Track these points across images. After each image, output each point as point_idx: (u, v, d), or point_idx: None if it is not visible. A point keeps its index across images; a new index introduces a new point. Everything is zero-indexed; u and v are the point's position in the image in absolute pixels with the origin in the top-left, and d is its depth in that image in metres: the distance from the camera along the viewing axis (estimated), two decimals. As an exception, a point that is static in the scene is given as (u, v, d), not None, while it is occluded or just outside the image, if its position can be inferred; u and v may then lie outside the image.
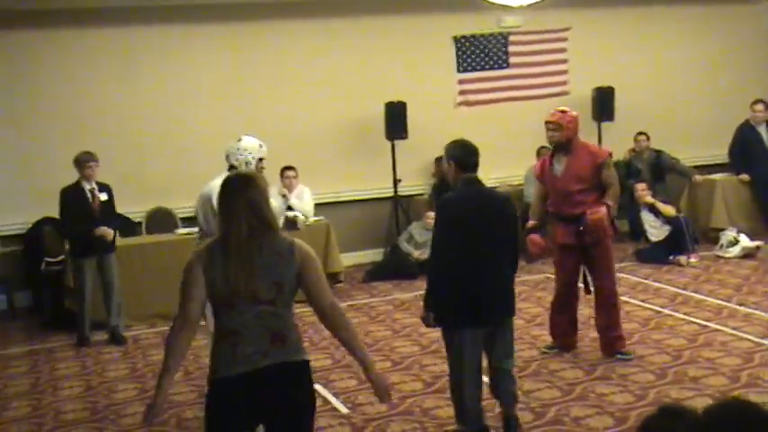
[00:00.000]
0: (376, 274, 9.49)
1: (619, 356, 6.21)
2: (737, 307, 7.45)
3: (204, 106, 9.66)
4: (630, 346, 6.40)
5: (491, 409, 5.28)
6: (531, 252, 6.24)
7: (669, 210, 9.51)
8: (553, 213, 6.32)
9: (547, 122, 6.20)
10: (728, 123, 10.48)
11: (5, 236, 9.05)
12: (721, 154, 10.69)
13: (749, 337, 6.58)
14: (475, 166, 4.75)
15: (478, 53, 10.58)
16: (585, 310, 6.74)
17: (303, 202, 8.97)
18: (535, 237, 6.20)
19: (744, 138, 10.32)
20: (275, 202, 5.48)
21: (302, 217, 5.84)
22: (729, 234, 9.55)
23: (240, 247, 3.31)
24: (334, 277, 8.89)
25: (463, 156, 4.74)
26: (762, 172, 10.15)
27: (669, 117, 11.19)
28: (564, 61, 10.88)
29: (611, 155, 6.38)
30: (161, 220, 9.41)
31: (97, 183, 7.60)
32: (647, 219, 9.51)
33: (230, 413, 3.35)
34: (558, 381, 5.86)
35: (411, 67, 10.29)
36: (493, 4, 6.89)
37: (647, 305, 7.66)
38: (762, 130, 10.29)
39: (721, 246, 9.52)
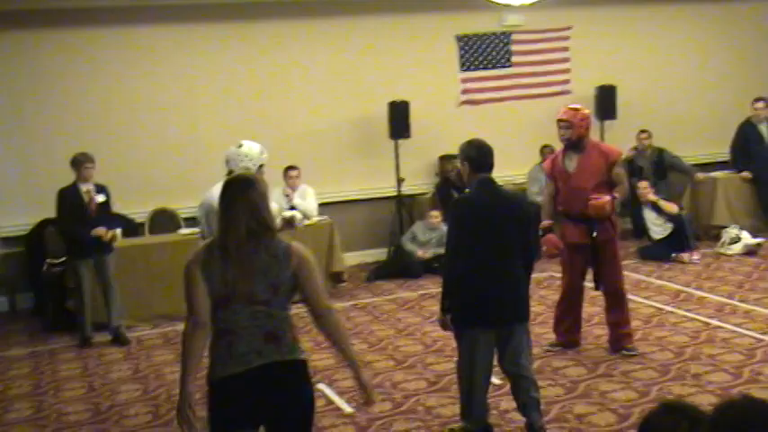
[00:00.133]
0: (379, 273, 9.50)
1: (624, 351, 6.23)
2: (739, 304, 7.45)
3: (207, 106, 9.67)
4: (633, 342, 6.39)
5: (494, 407, 5.30)
6: (547, 251, 6.25)
7: (671, 207, 9.51)
8: (563, 212, 6.31)
9: (559, 120, 6.19)
10: (730, 121, 10.48)
11: (7, 237, 9.08)
12: (723, 152, 10.69)
13: (751, 333, 6.58)
14: (490, 166, 4.70)
15: (481, 52, 10.59)
16: (588, 308, 6.74)
17: (306, 201, 8.98)
18: (551, 236, 6.18)
19: (745, 135, 10.32)
20: (275, 203, 5.49)
21: (299, 216, 5.82)
22: (731, 231, 9.55)
23: (239, 248, 3.35)
24: (337, 276, 8.91)
25: (477, 156, 4.70)
26: (763, 169, 10.14)
27: (671, 115, 11.20)
28: (566, 60, 10.89)
29: (630, 159, 6.41)
30: (164, 220, 9.43)
31: (95, 184, 7.61)
32: (650, 216, 9.52)
33: (231, 413, 3.38)
34: (562, 378, 5.86)
35: (414, 67, 10.30)
36: (495, 3, 6.88)
37: (649, 302, 7.66)
38: (763, 127, 10.28)
39: (723, 243, 9.52)
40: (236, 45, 9.74)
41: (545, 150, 10.18)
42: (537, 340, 6.72)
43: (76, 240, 7.52)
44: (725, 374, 5.74)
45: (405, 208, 10.14)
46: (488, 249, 4.56)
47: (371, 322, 7.76)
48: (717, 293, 7.85)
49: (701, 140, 11.29)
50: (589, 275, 6.39)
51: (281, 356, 3.39)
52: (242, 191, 3.43)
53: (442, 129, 10.34)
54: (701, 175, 10.47)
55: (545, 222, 6.27)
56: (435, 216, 9.61)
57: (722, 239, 9.57)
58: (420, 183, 10.43)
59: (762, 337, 6.47)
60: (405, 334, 7.30)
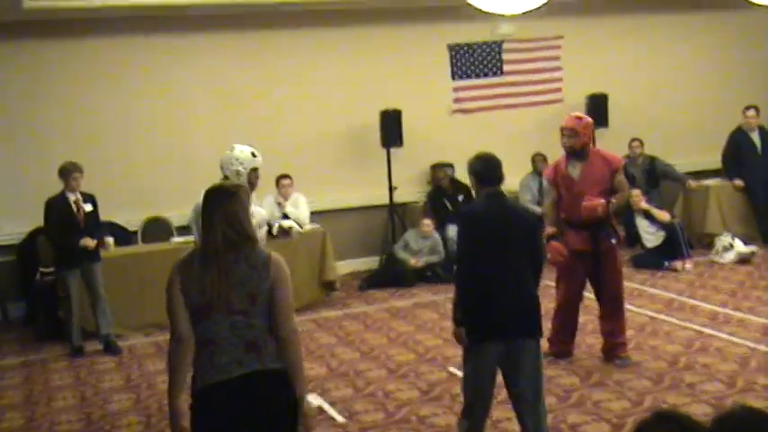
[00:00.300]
0: (372, 281, 9.48)
1: (617, 361, 6.22)
2: (732, 312, 7.46)
3: (199, 115, 9.66)
4: (627, 351, 6.38)
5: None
6: (552, 259, 6.17)
7: (664, 216, 9.53)
8: (565, 219, 6.29)
9: (562, 128, 6.19)
10: (721, 129, 10.52)
11: (0, 246, 9.03)
12: (715, 160, 10.72)
13: (745, 342, 6.59)
14: (497, 179, 4.62)
15: (473, 61, 10.61)
16: (581, 316, 6.73)
17: (298, 209, 8.97)
18: (555, 243, 6.13)
19: (737, 144, 10.36)
20: (264, 210, 5.47)
21: (297, 227, 5.79)
22: (724, 239, 9.58)
23: (217, 258, 3.37)
24: (329, 285, 8.90)
25: (483, 170, 4.63)
26: (755, 177, 10.19)
27: (662, 123, 11.23)
28: (557, 69, 10.92)
29: (624, 166, 6.43)
30: (157, 229, 9.40)
31: (82, 193, 7.60)
32: (642, 225, 9.53)
33: (214, 422, 3.39)
34: (555, 387, 5.85)
35: (406, 76, 10.31)
36: (486, 12, 6.89)
37: (642, 311, 7.66)
38: (754, 135, 10.33)
39: (716, 251, 9.54)
40: (228, 54, 9.74)
41: (537, 159, 10.21)
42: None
43: (65, 250, 7.51)
44: (719, 384, 5.74)
45: (397, 216, 10.14)
46: (496, 261, 4.48)
47: (364, 331, 7.75)
48: (710, 302, 7.86)
49: (692, 148, 11.32)
50: (589, 285, 6.36)
51: (262, 366, 3.39)
52: (221, 201, 3.45)
53: (434, 137, 10.36)
54: (693, 183, 10.49)
55: (549, 230, 6.23)
56: (427, 224, 9.61)
57: (715, 247, 9.59)
58: (412, 191, 10.43)
59: (755, 345, 6.48)
60: (398, 343, 7.29)
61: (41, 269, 8.45)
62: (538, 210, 8.00)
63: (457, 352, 6.65)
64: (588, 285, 6.36)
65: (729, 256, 9.38)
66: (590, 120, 6.33)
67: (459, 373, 6.17)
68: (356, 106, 10.09)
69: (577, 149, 6.14)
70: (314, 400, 5.80)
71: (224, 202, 3.45)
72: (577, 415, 5.35)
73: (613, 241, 6.21)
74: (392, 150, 9.96)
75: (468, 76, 10.61)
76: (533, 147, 10.20)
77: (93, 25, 9.14)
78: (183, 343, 3.43)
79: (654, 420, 1.99)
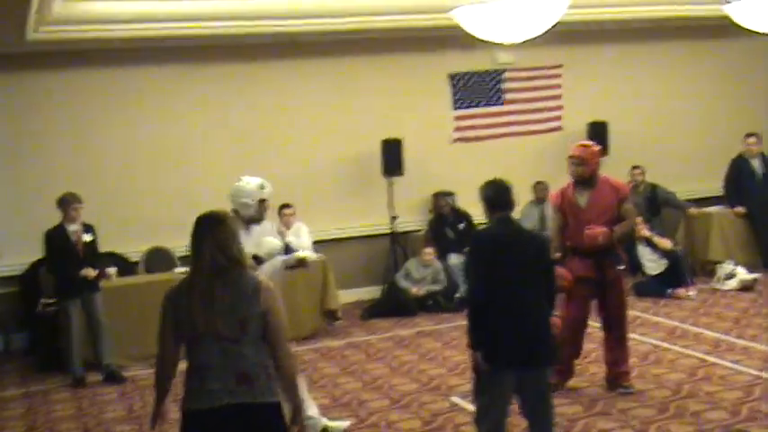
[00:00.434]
0: (374, 311, 9.46)
1: (621, 389, 6.19)
2: (736, 340, 7.43)
3: (202, 146, 9.70)
4: (630, 380, 6.35)
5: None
6: (560, 286, 6.12)
7: (666, 243, 9.53)
8: (570, 247, 6.27)
9: (571, 157, 6.18)
10: (722, 157, 10.54)
11: (2, 277, 9.02)
12: (716, 187, 10.73)
13: (748, 370, 6.56)
14: (507, 204, 4.62)
15: (473, 90, 10.67)
16: (585, 345, 6.71)
17: (300, 239, 8.97)
18: (561, 269, 6.00)
19: (738, 171, 10.38)
20: (274, 240, 5.45)
21: (312, 256, 5.78)
22: (726, 267, 9.57)
23: (205, 285, 3.42)
24: (332, 314, 8.88)
25: (494, 195, 4.63)
26: (756, 204, 10.19)
27: (663, 151, 11.25)
28: (557, 97, 10.97)
29: (629, 190, 6.42)
30: (159, 259, 9.39)
31: (82, 223, 7.64)
32: (644, 252, 9.53)
33: None
34: (558, 417, 5.77)
35: (407, 105, 10.36)
36: (486, 41, 6.96)
37: (646, 339, 7.64)
38: (755, 162, 10.35)
39: (719, 278, 9.53)
40: (229, 85, 9.79)
41: (538, 187, 10.23)
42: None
43: (65, 280, 7.53)
44: (723, 412, 5.71)
45: (399, 245, 10.14)
46: (509, 287, 4.43)
47: (366, 360, 7.72)
48: (713, 329, 7.84)
49: (693, 176, 11.34)
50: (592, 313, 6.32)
51: (252, 398, 3.42)
52: (210, 228, 3.50)
53: (436, 166, 10.39)
54: (694, 211, 10.50)
55: (555, 255, 6.20)
56: (429, 253, 9.60)
57: (717, 275, 9.58)
58: (414, 220, 10.43)
59: (759, 373, 6.45)
60: (400, 372, 7.26)
61: (43, 300, 8.43)
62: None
63: (460, 381, 6.67)
64: (592, 313, 6.34)
65: (732, 284, 9.37)
66: (597, 147, 6.33)
67: (463, 403, 6.17)
68: (357, 135, 10.13)
69: (586, 178, 6.13)
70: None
71: (213, 229, 3.49)
72: (581, 444, 5.32)
73: (620, 267, 6.20)
74: (393, 179, 9.99)
75: (469, 105, 10.67)
76: (534, 175, 10.22)
77: (95, 57, 9.20)
78: (165, 364, 3.55)
79: None
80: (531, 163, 10.47)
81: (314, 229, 9.40)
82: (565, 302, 6.31)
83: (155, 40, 8.85)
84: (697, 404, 5.89)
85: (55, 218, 7.68)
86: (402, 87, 10.35)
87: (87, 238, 7.63)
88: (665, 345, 7.44)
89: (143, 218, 9.39)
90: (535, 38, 6.74)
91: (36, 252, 8.51)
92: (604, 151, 10.62)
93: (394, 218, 10.07)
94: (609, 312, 6.24)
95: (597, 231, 6.00)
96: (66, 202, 7.53)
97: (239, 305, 3.42)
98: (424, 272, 9.61)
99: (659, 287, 9.27)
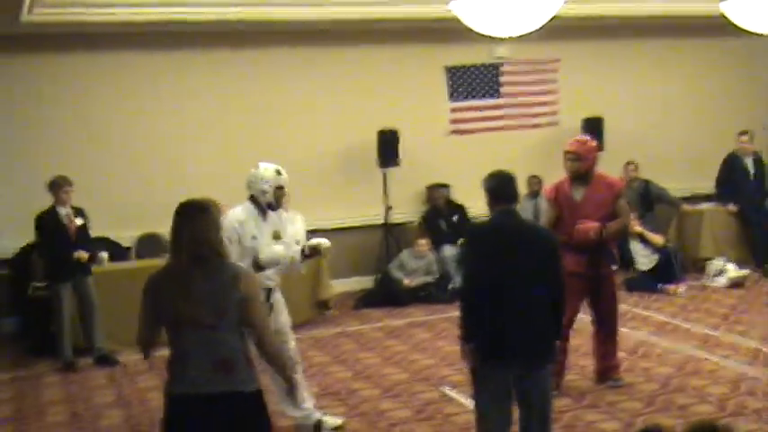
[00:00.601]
0: (367, 301, 9.49)
1: (610, 383, 6.22)
2: (725, 335, 7.47)
3: (195, 133, 9.70)
4: (620, 373, 6.38)
5: None
6: None
7: (657, 239, 9.57)
8: (564, 242, 6.26)
9: (566, 152, 6.13)
10: (716, 154, 10.57)
11: (-7, 260, 9.02)
12: (709, 184, 10.77)
13: (736, 365, 6.60)
14: (510, 197, 4.48)
15: (470, 83, 10.69)
16: (573, 338, 6.74)
17: (295, 227, 8.95)
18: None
19: (731, 169, 10.41)
20: (278, 248, 5.35)
21: (325, 242, 5.75)
22: (717, 263, 9.62)
23: (184, 272, 3.46)
24: (324, 304, 8.90)
25: (496, 187, 4.48)
26: (748, 202, 10.24)
27: (657, 147, 11.30)
28: (554, 92, 11.00)
29: (624, 186, 6.39)
30: (151, 245, 9.38)
31: (72, 207, 7.64)
32: (636, 248, 9.57)
33: (183, 427, 3.51)
34: (547, 408, 5.85)
35: (403, 96, 10.36)
36: (484, 35, 6.96)
37: (635, 333, 7.68)
38: (748, 161, 10.38)
39: (709, 275, 9.58)
40: (225, 72, 9.78)
41: (532, 181, 10.26)
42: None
43: (57, 263, 7.53)
44: (710, 406, 5.75)
45: (392, 236, 10.16)
46: (505, 281, 4.29)
47: (358, 350, 7.75)
48: (702, 325, 7.88)
49: (687, 173, 11.38)
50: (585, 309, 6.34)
51: (231, 387, 3.46)
52: (191, 216, 3.53)
53: (431, 158, 10.41)
54: (687, 207, 10.55)
55: None
56: (423, 244, 9.63)
57: (708, 271, 9.63)
58: (408, 211, 10.45)
59: (746, 369, 6.50)
60: (391, 362, 7.29)
61: (34, 284, 8.42)
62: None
63: (451, 371, 6.70)
64: (582, 307, 6.36)
65: (722, 280, 9.42)
66: (594, 143, 6.29)
67: (453, 393, 6.21)
68: (353, 126, 10.14)
69: (581, 173, 6.09)
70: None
71: (193, 218, 3.51)
72: (569, 436, 5.35)
73: (613, 267, 6.21)
74: (389, 170, 10.01)
75: (466, 98, 10.68)
76: (529, 169, 10.24)
77: (88, 40, 9.18)
78: (144, 348, 3.66)
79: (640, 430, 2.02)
80: (525, 157, 10.49)
81: (308, 219, 9.32)
82: None
83: (149, 24, 8.84)
84: (684, 398, 5.93)
85: (45, 202, 7.66)
86: (399, 79, 10.36)
87: (79, 221, 7.63)
88: (655, 339, 7.48)
89: (135, 203, 9.38)
90: (532, 32, 6.74)
91: (27, 236, 8.50)
92: (599, 147, 10.66)
93: (388, 208, 10.09)
94: (600, 309, 6.25)
95: (589, 226, 5.99)
96: (57, 185, 7.53)
97: (218, 293, 3.44)
98: (417, 263, 9.64)
99: (650, 282, 9.31)
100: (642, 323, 8.07)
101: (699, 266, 9.96)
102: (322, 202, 10.01)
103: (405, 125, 10.05)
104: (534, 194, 10.19)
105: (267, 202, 5.39)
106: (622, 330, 7.58)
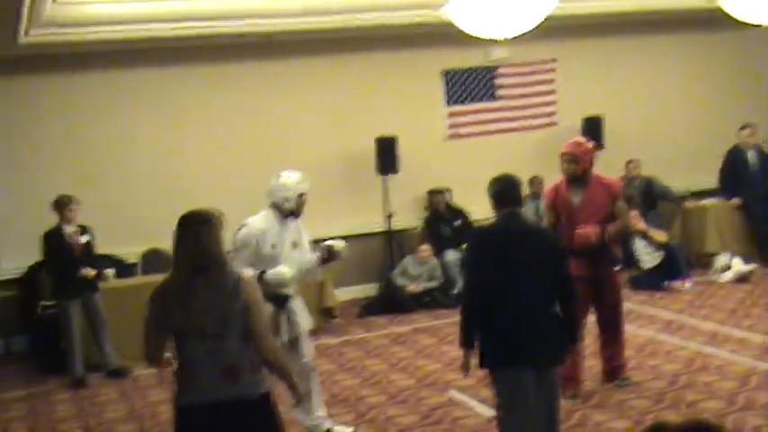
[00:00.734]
0: (371, 308, 9.50)
1: (618, 382, 6.22)
2: (732, 331, 7.46)
3: (197, 145, 9.73)
4: (627, 372, 6.39)
5: None
6: None
7: (661, 236, 9.56)
8: (565, 246, 6.24)
9: (562, 154, 6.10)
10: (718, 149, 10.55)
11: (1, 281, 9.04)
12: (712, 179, 10.76)
13: (745, 360, 6.59)
14: (514, 200, 4.47)
15: (467, 86, 10.70)
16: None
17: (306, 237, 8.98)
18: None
19: (734, 163, 10.40)
20: (285, 271, 5.29)
21: (340, 244, 5.77)
22: (723, 258, 9.61)
23: (184, 284, 3.50)
24: (329, 312, 8.91)
25: (500, 191, 4.49)
26: (752, 196, 10.22)
27: (658, 144, 11.29)
28: (551, 92, 11.00)
29: (622, 187, 6.37)
30: (156, 260, 9.41)
31: (78, 225, 7.72)
32: (640, 246, 9.56)
33: None
34: (556, 409, 5.84)
35: (400, 102, 10.38)
36: (479, 37, 6.98)
37: (642, 332, 7.67)
38: (751, 154, 10.37)
39: (715, 270, 9.57)
40: (224, 85, 9.82)
41: (533, 182, 10.26)
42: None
43: (64, 281, 7.59)
44: (719, 402, 5.74)
45: (395, 243, 10.17)
46: (510, 283, 4.28)
47: (364, 357, 7.75)
48: (710, 321, 7.87)
49: (689, 169, 11.36)
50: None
51: (239, 394, 3.48)
52: (194, 227, 3.56)
53: (430, 163, 10.41)
54: (690, 204, 10.54)
55: None
56: (425, 250, 9.64)
57: (714, 267, 9.62)
58: (409, 217, 10.45)
59: (755, 363, 6.49)
60: (398, 368, 7.29)
61: (43, 303, 8.47)
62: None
63: (457, 376, 6.68)
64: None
65: (728, 275, 9.40)
66: (590, 144, 6.26)
67: (460, 397, 6.21)
68: (351, 134, 10.15)
69: (578, 175, 6.06)
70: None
71: (195, 228, 3.55)
72: (578, 436, 5.35)
73: (616, 268, 6.20)
74: (388, 177, 10.02)
75: (463, 102, 10.69)
76: (529, 171, 10.23)
77: (87, 59, 9.22)
78: (152, 360, 3.66)
79: (650, 427, 2.03)
80: (525, 159, 10.48)
81: (310, 229, 9.39)
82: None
83: (147, 41, 8.87)
84: (693, 394, 5.93)
85: (52, 221, 7.71)
86: (396, 85, 10.37)
87: (84, 239, 7.70)
88: (662, 337, 7.48)
89: (140, 220, 9.40)
90: (528, 32, 6.75)
91: (34, 255, 8.54)
92: (600, 146, 10.68)
93: (389, 216, 10.10)
94: (604, 312, 6.23)
95: (589, 231, 5.95)
96: (62, 204, 7.60)
97: (221, 303, 3.48)
98: (420, 269, 9.65)
99: (655, 280, 9.30)
100: (648, 321, 8.06)
101: (704, 262, 9.95)
102: (323, 211, 9.98)
103: (403, 131, 10.06)
104: (536, 196, 10.19)
105: (289, 210, 5.42)
106: (629, 329, 7.56)
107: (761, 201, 10.22)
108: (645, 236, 9.53)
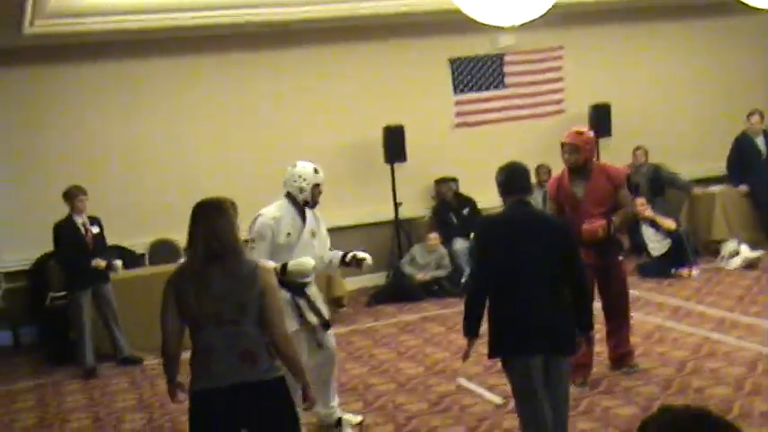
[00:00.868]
0: (380, 297, 9.52)
1: (625, 369, 6.23)
2: (740, 317, 7.46)
3: (203, 135, 9.74)
4: (634, 359, 6.39)
5: (497, 425, 5.28)
6: None
7: (669, 223, 9.55)
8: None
9: (563, 144, 6.08)
10: (726, 136, 10.52)
11: (10, 272, 9.10)
12: (719, 166, 10.73)
13: (752, 346, 6.59)
14: (522, 188, 4.41)
15: (474, 74, 10.68)
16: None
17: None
18: None
19: (741, 149, 10.37)
20: (309, 262, 5.26)
21: (369, 258, 5.70)
22: (730, 245, 9.59)
23: (199, 271, 3.53)
24: (337, 302, 8.92)
25: (506, 180, 4.44)
26: (760, 182, 10.18)
27: (666, 131, 11.26)
28: (559, 80, 10.97)
29: (628, 176, 6.32)
30: (164, 251, 9.46)
31: (88, 216, 7.76)
32: (648, 233, 9.55)
33: (210, 423, 3.57)
34: (564, 396, 5.85)
35: (408, 91, 10.37)
36: (486, 25, 6.95)
37: (650, 318, 7.67)
38: (759, 140, 10.33)
39: (723, 257, 9.56)
40: (231, 75, 9.82)
41: (540, 170, 10.25)
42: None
43: (77, 272, 7.62)
44: (727, 388, 5.75)
45: (403, 232, 10.18)
46: (519, 271, 4.25)
47: (373, 346, 7.78)
48: (717, 307, 7.86)
49: (697, 156, 11.33)
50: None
51: (257, 377, 3.54)
52: (208, 215, 3.60)
53: (438, 152, 10.41)
54: (698, 191, 10.51)
55: None
56: (434, 239, 9.65)
57: (721, 254, 9.61)
58: (417, 206, 10.46)
59: (763, 349, 6.48)
60: (406, 357, 7.32)
61: (52, 294, 8.52)
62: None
63: (465, 364, 6.69)
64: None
65: (736, 262, 9.39)
66: (591, 134, 6.23)
67: (469, 385, 6.23)
68: (359, 123, 10.15)
69: (579, 165, 6.04)
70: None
71: (210, 217, 3.58)
72: (587, 422, 5.36)
73: (620, 258, 6.20)
74: (396, 166, 10.02)
75: (470, 90, 10.67)
76: (537, 158, 10.22)
77: (93, 49, 9.23)
78: (169, 357, 3.69)
79: (657, 413, 2.04)
80: (533, 147, 10.47)
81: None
82: None
83: (153, 31, 8.88)
84: (701, 380, 5.93)
85: (59, 212, 7.76)
86: (403, 74, 10.36)
87: (95, 230, 7.74)
88: (669, 323, 7.48)
89: (147, 210, 9.45)
90: (535, 20, 6.72)
91: (42, 246, 8.60)
92: (608, 133, 10.68)
93: (397, 204, 10.10)
94: (610, 298, 6.23)
95: (596, 226, 5.93)
96: (72, 195, 7.66)
97: (238, 288, 3.52)
98: (428, 257, 9.66)
99: (663, 267, 9.29)
100: (656, 308, 8.06)
101: (712, 249, 9.93)
102: (331, 200, 9.91)
103: (410, 120, 10.05)
104: (543, 184, 10.17)
105: (304, 200, 5.43)
106: (636, 316, 7.59)
107: (768, 187, 10.20)
108: (653, 223, 9.51)
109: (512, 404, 4.91)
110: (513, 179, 4.45)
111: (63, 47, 9.04)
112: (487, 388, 6.12)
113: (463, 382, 6.37)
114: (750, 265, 9.29)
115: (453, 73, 10.61)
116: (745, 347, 6.57)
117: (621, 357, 6.29)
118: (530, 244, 4.29)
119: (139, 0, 8.35)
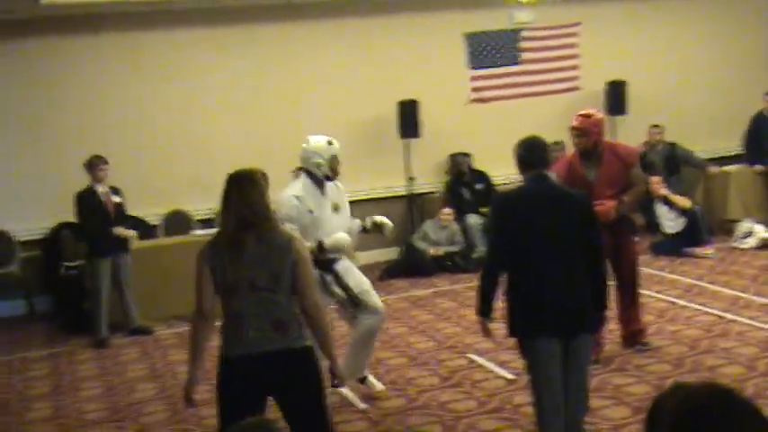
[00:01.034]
0: (392, 271, 9.53)
1: (638, 347, 6.22)
2: (754, 297, 7.43)
3: (218, 108, 9.73)
4: (647, 337, 6.39)
5: (508, 401, 5.29)
6: None
7: (684, 202, 9.49)
8: None
9: (572, 128, 6.06)
10: (742, 115, 10.44)
11: (24, 241, 9.15)
12: (735, 146, 10.65)
13: (766, 326, 6.56)
14: (541, 162, 4.27)
15: (490, 50, 10.59)
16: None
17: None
18: None
19: (758, 128, 10.29)
20: (345, 237, 5.34)
21: (390, 224, 5.72)
22: (745, 225, 9.54)
23: (232, 238, 3.58)
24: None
25: (525, 153, 4.30)
26: (776, 163, 10.12)
27: (682, 109, 11.17)
28: (575, 56, 10.87)
29: (641, 155, 6.27)
30: (178, 222, 9.50)
31: (109, 186, 7.80)
32: (662, 211, 9.50)
33: (239, 388, 3.61)
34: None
35: (423, 66, 10.32)
36: (502, 0, 6.91)
37: (663, 297, 7.65)
38: (776, 120, 10.24)
39: (737, 237, 9.51)
40: (246, 48, 9.79)
41: (555, 147, 10.17)
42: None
43: (97, 240, 7.69)
44: (740, 367, 5.74)
45: (416, 207, 10.17)
46: (538, 247, 4.11)
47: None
48: (731, 287, 7.83)
49: (713, 134, 11.26)
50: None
51: (288, 344, 3.61)
52: (240, 185, 3.65)
53: (452, 127, 10.37)
54: (713, 170, 10.44)
55: None
56: (446, 214, 9.63)
57: (736, 233, 9.56)
58: (431, 181, 10.45)
59: (776, 328, 6.47)
60: (418, 331, 7.33)
61: (66, 263, 8.58)
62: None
63: (476, 339, 6.72)
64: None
65: (750, 242, 9.34)
66: (600, 115, 6.17)
67: (480, 360, 6.24)
68: (373, 97, 10.11)
69: (589, 148, 6.00)
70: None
71: (241, 187, 3.63)
72: (598, 399, 5.34)
73: (636, 239, 6.16)
74: (410, 141, 9.99)
75: (486, 65, 10.59)
76: (551, 135, 9.97)
77: (110, 20, 9.23)
78: (205, 320, 3.69)
79: (669, 390, 2.02)
80: (548, 123, 10.36)
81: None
82: None
83: (171, 2, 8.87)
84: (713, 359, 5.92)
85: (75, 182, 7.81)
86: (418, 48, 10.30)
87: (116, 199, 7.79)
88: (683, 302, 7.45)
89: (161, 181, 9.47)
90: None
91: (57, 216, 8.64)
92: (623, 110, 10.60)
93: (411, 179, 10.08)
94: (622, 274, 6.21)
95: (608, 207, 5.91)
96: (93, 164, 7.72)
97: (272, 256, 3.57)
98: (441, 233, 9.65)
99: (677, 246, 9.25)
100: (670, 286, 8.04)
101: (726, 228, 9.88)
102: (345, 174, 9.89)
103: (425, 95, 10.01)
104: (557, 160, 10.13)
105: (324, 174, 5.41)
106: (649, 294, 7.58)
107: (785, 167, 10.12)
108: (667, 201, 9.46)
109: (523, 380, 4.93)
110: (532, 152, 4.31)
111: (80, 17, 9.03)
112: (498, 364, 6.13)
113: (474, 357, 6.38)
114: (765, 245, 9.24)
115: (469, 48, 10.52)
116: (759, 327, 6.55)
117: (634, 335, 6.29)
118: (548, 220, 4.15)
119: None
